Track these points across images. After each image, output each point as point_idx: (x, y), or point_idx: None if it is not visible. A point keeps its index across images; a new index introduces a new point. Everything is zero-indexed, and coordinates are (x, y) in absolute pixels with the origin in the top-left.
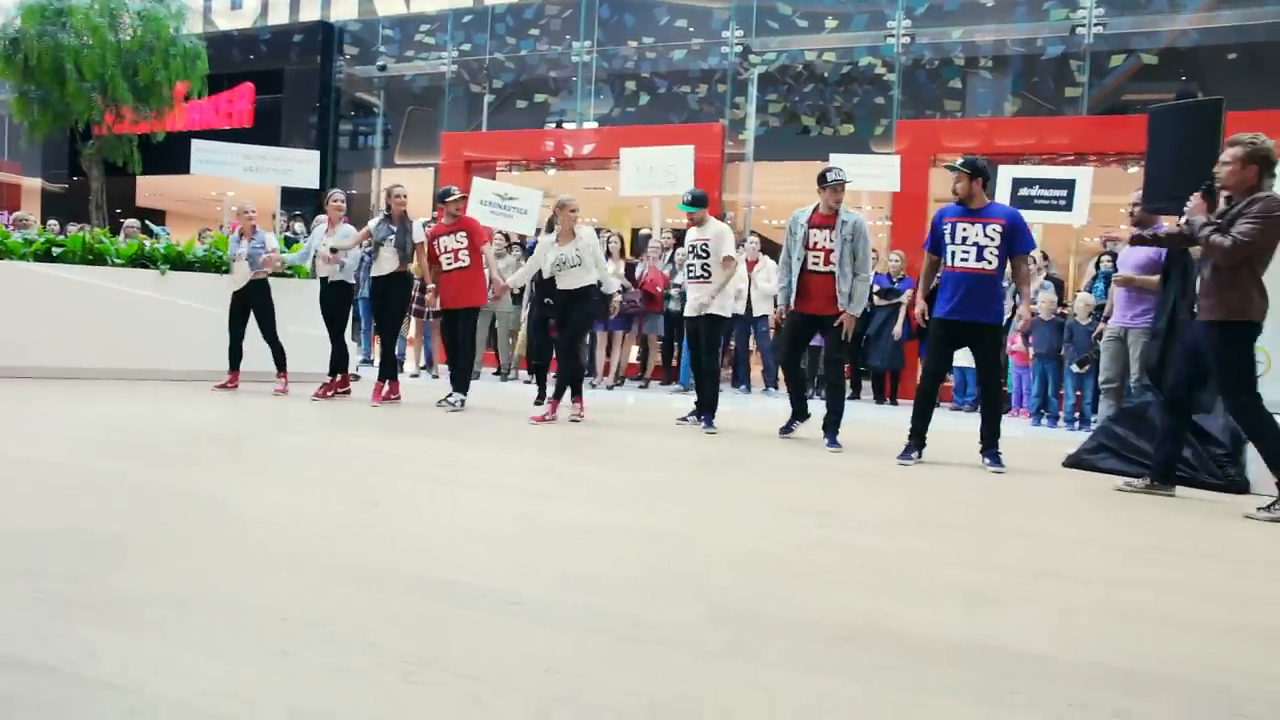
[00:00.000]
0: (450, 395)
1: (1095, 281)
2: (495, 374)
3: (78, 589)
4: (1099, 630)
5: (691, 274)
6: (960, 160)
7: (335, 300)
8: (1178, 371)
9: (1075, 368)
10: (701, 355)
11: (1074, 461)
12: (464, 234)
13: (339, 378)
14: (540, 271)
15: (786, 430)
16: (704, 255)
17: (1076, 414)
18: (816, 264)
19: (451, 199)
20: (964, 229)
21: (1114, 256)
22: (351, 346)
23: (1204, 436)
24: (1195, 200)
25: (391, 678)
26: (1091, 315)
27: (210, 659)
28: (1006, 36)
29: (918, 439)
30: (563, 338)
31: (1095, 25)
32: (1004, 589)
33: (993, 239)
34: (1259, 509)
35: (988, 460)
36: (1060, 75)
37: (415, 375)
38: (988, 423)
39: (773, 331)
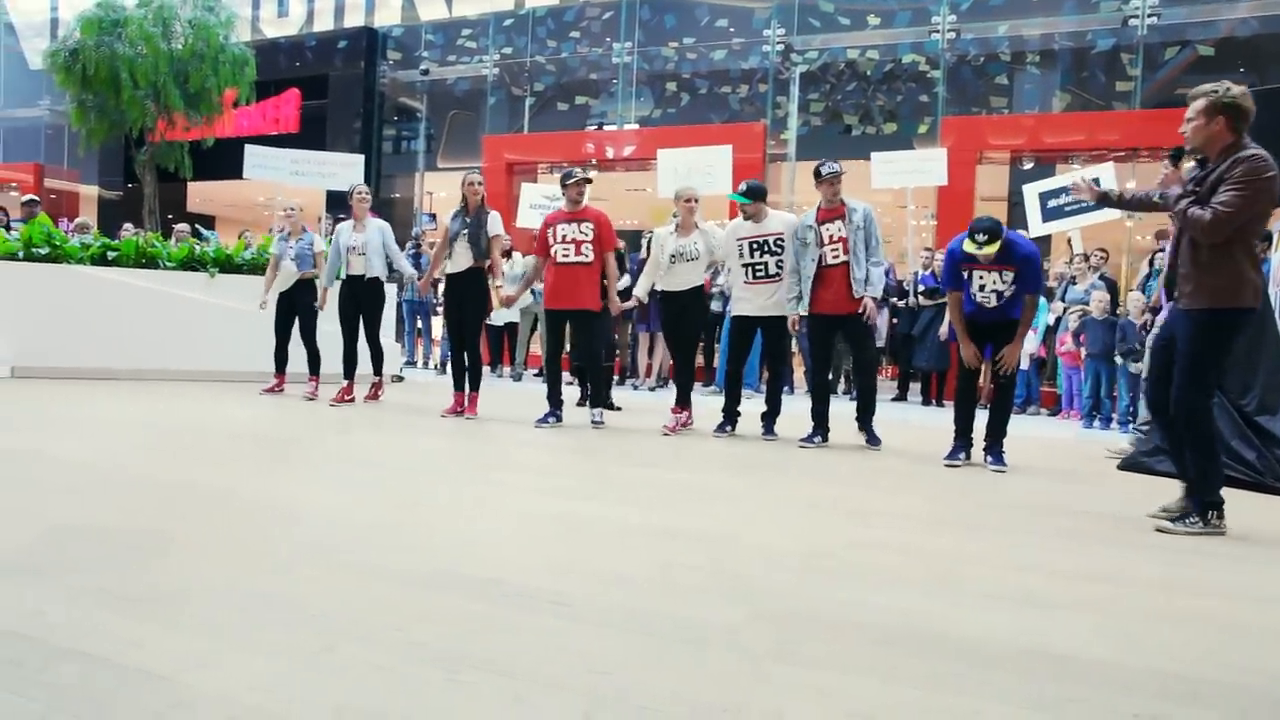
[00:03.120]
0: (593, 413)
1: (1149, 280)
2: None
3: (127, 584)
4: (1159, 636)
5: (759, 273)
6: (984, 236)
7: (359, 298)
8: (1151, 368)
9: (1120, 359)
10: (771, 359)
11: (1129, 464)
12: (590, 225)
13: (349, 384)
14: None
15: (808, 441)
16: (778, 251)
17: (1131, 415)
18: (836, 256)
19: (573, 180)
20: (980, 277)
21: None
22: (395, 348)
23: (1267, 437)
24: (1166, 170)
25: (435, 677)
26: (1145, 314)
27: (254, 655)
28: (1054, 30)
29: (963, 439)
30: (678, 347)
31: (1149, 16)
32: (1057, 592)
33: (1008, 282)
34: (1169, 518)
35: (990, 459)
36: (1111, 69)
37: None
38: (996, 420)
39: (792, 342)
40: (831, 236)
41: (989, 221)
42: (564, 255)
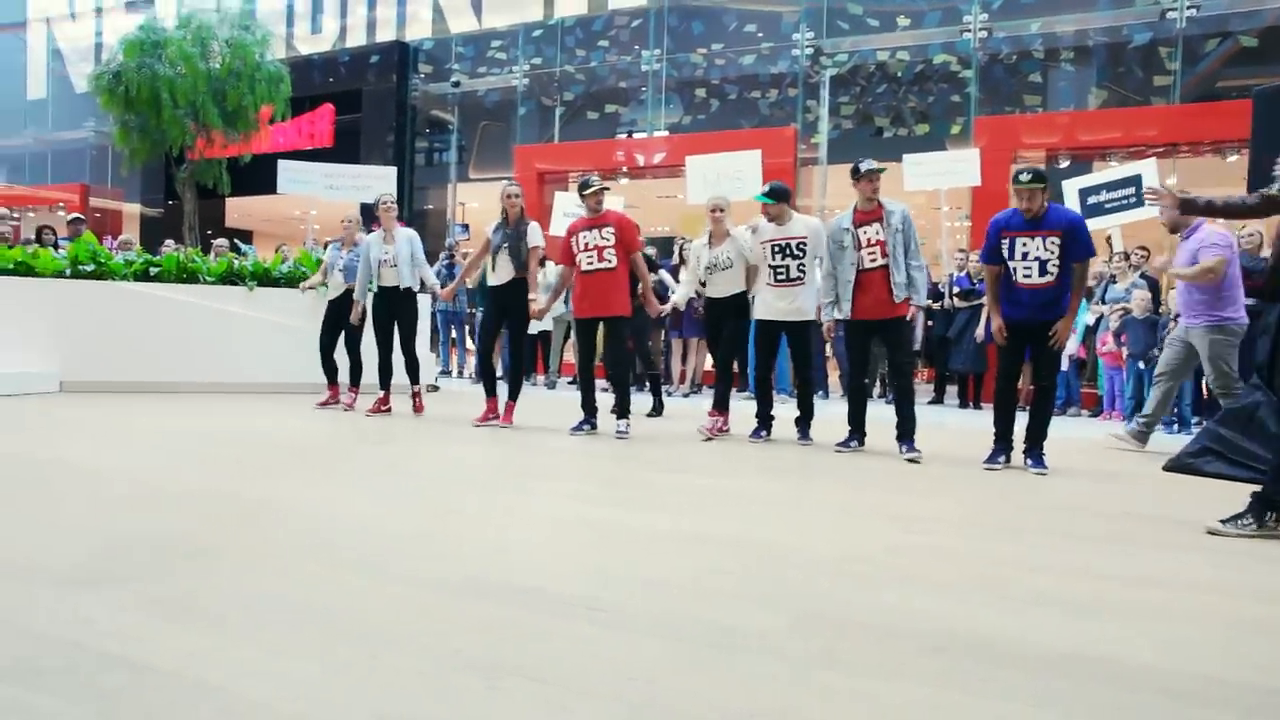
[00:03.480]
0: (618, 424)
1: None
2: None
3: (172, 593)
4: (1210, 642)
5: (780, 276)
6: (1027, 174)
7: (393, 309)
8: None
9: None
10: (797, 364)
11: (1176, 465)
12: (611, 230)
13: (385, 394)
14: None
15: (844, 446)
16: (800, 255)
17: (1175, 416)
18: (874, 259)
19: (590, 191)
20: (1024, 244)
21: None
22: (429, 358)
23: None
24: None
25: (473, 684)
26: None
27: (297, 661)
28: (1089, 26)
29: (1003, 442)
30: (719, 355)
31: (1188, 9)
32: (1103, 597)
33: (1053, 251)
34: (1223, 521)
35: (1030, 461)
36: (1148, 63)
37: (435, 387)
38: (1036, 422)
39: (826, 346)
40: (869, 240)
41: (1030, 167)
42: (588, 263)
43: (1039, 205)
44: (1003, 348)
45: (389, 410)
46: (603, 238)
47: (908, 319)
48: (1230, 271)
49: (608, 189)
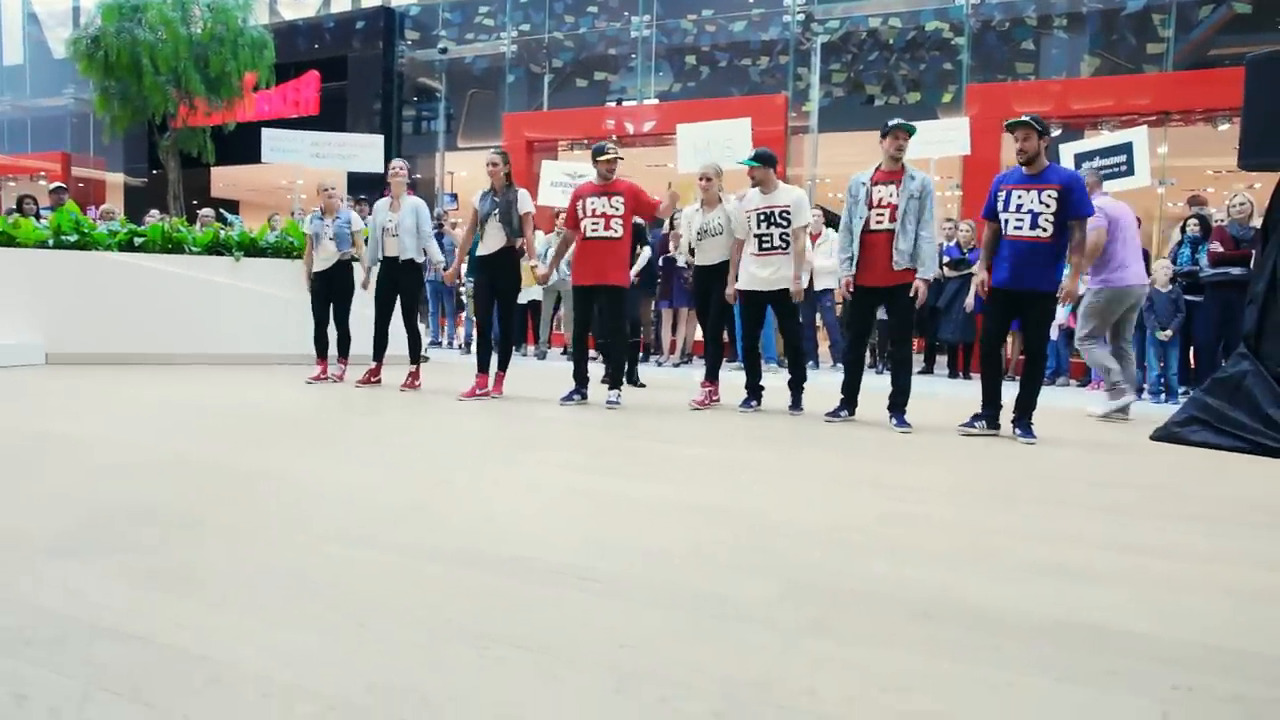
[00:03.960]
0: (610, 394)
1: (1181, 248)
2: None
3: (163, 564)
4: (1202, 610)
5: (765, 245)
6: (1027, 115)
7: (397, 280)
8: None
9: (1161, 335)
10: (786, 333)
11: (1163, 435)
12: (620, 199)
13: (377, 365)
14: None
15: (834, 415)
16: (783, 224)
17: (1162, 385)
18: (880, 221)
19: (604, 157)
20: (1019, 196)
21: (1201, 220)
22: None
23: None
24: None
25: (466, 653)
26: (1173, 282)
27: (289, 632)
28: None
29: (989, 409)
30: (709, 325)
31: None
32: (1092, 565)
33: (1048, 205)
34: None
35: (1018, 431)
36: (1141, 31)
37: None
38: (1025, 392)
39: (839, 307)
40: (881, 200)
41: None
42: (593, 229)
43: (1034, 147)
44: (988, 313)
45: (379, 382)
46: (612, 206)
47: (908, 291)
48: (1109, 242)
49: (621, 158)
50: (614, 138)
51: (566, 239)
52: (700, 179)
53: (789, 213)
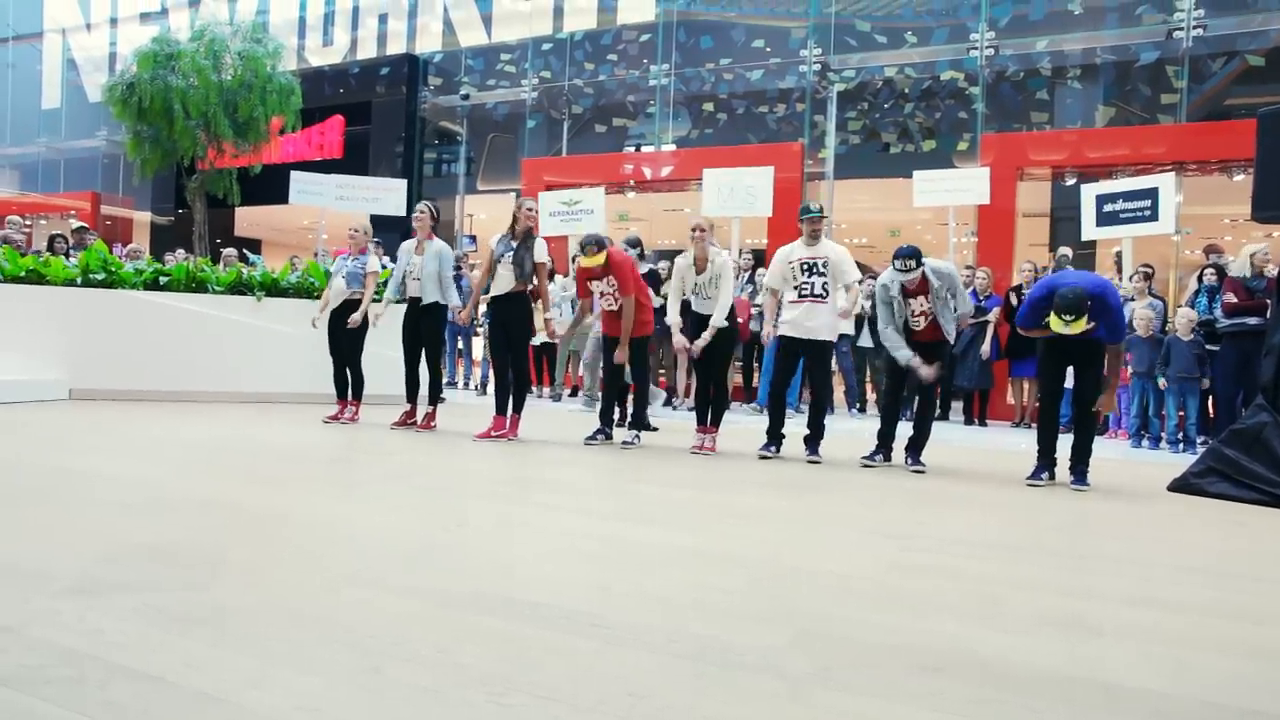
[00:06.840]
0: (628, 434)
1: (1198, 296)
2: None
3: (181, 604)
4: (1212, 666)
5: (804, 292)
6: (1070, 315)
7: (419, 322)
8: None
9: (1164, 380)
10: (813, 382)
11: (1180, 485)
12: (613, 278)
13: (411, 408)
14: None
15: (870, 460)
16: (824, 273)
17: (1180, 435)
18: (917, 325)
19: (589, 246)
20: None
21: (1218, 269)
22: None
23: None
24: None
25: (478, 699)
26: (1194, 331)
27: (303, 674)
28: (1096, 44)
29: (1045, 459)
30: (709, 369)
31: (1195, 28)
32: (1104, 619)
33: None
34: None
35: (1073, 479)
36: (1155, 82)
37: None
38: (1080, 440)
39: (833, 360)
40: (914, 311)
41: (1071, 296)
42: (607, 305)
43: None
44: (1044, 367)
45: (415, 423)
46: (609, 285)
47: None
48: None
49: (603, 246)
50: (631, 183)
51: (584, 307)
52: (694, 230)
53: (829, 264)
